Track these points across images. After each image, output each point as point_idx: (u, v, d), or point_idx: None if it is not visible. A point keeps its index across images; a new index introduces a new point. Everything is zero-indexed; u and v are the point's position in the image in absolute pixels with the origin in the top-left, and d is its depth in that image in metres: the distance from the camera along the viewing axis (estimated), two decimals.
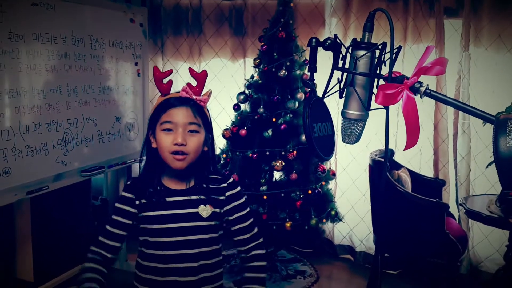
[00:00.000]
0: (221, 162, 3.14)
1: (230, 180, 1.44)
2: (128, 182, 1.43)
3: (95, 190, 3.31)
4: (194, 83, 1.39)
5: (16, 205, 2.54)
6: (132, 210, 1.38)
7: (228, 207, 1.41)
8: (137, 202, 1.37)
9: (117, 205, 1.40)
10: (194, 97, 1.34)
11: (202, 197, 1.37)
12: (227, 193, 1.41)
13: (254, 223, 1.45)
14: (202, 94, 1.38)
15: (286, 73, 2.97)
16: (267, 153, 2.97)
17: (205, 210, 1.36)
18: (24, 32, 2.23)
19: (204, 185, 1.39)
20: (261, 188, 3.03)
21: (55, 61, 2.43)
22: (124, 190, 1.41)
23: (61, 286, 2.78)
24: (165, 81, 1.38)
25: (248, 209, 1.45)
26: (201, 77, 1.37)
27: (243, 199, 1.44)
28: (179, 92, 1.37)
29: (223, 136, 3.13)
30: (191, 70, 1.38)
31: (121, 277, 3.18)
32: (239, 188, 1.45)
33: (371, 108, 1.32)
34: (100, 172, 2.76)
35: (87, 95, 2.66)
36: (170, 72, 1.37)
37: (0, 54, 2.12)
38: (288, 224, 2.94)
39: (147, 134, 1.40)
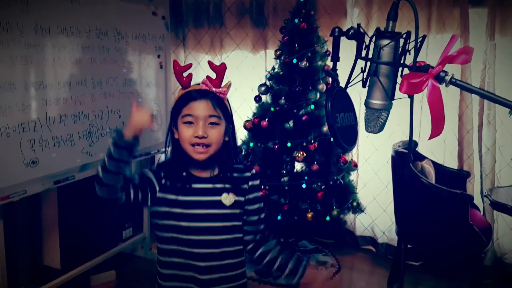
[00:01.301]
0: (243, 153, 3.16)
1: (253, 171, 1.47)
2: (157, 163, 1.45)
3: None
4: (213, 75, 1.41)
5: (44, 194, 2.60)
6: (155, 183, 1.39)
7: (250, 196, 1.43)
8: (163, 181, 1.39)
9: (146, 170, 1.42)
10: (214, 89, 1.36)
11: (227, 185, 1.40)
12: (250, 183, 1.44)
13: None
14: (222, 86, 1.39)
15: (307, 64, 2.96)
16: (289, 144, 2.98)
17: (227, 199, 1.39)
18: (49, 25, 2.28)
19: (228, 174, 1.41)
20: (283, 179, 3.05)
21: (80, 54, 2.47)
22: (156, 168, 1.43)
23: (87, 273, 2.85)
24: (185, 74, 1.40)
25: (262, 203, 1.48)
26: (220, 69, 1.38)
27: (261, 192, 1.48)
28: (199, 84, 1.39)
29: (245, 127, 3.14)
30: (210, 63, 1.39)
31: (145, 265, 3.24)
32: (259, 181, 1.48)
33: (395, 97, 1.31)
34: None
35: (111, 87, 2.70)
36: (189, 66, 1.39)
37: (26, 47, 2.17)
38: (309, 215, 2.95)
39: (170, 126, 1.44)
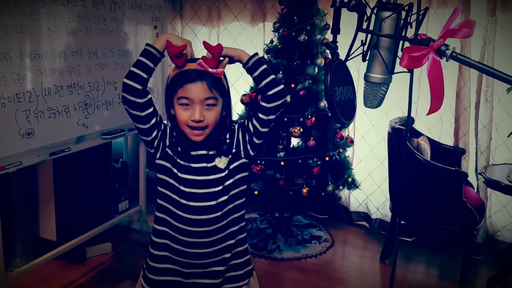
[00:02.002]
0: None
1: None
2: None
3: (116, 153, 3.36)
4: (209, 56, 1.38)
5: (39, 166, 2.60)
6: (168, 136, 1.41)
7: (235, 140, 1.43)
8: (173, 140, 1.41)
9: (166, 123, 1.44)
10: (210, 70, 1.34)
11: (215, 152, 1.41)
12: (228, 136, 1.44)
13: None
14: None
15: (306, 37, 2.93)
16: (285, 119, 2.97)
17: (221, 162, 1.40)
18: None
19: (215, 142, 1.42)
20: (279, 154, 3.04)
21: (76, 23, 2.43)
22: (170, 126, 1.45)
23: (82, 245, 2.86)
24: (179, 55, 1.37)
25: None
26: (216, 50, 1.35)
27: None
28: (195, 60, 1.36)
29: (242, 101, 3.12)
30: (205, 44, 1.36)
31: (141, 238, 3.27)
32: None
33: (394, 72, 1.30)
34: (120, 135, 2.80)
35: (107, 58, 2.66)
36: (184, 47, 1.36)
37: (21, 15, 2.13)
38: (304, 190, 2.96)
39: (166, 103, 1.43)
